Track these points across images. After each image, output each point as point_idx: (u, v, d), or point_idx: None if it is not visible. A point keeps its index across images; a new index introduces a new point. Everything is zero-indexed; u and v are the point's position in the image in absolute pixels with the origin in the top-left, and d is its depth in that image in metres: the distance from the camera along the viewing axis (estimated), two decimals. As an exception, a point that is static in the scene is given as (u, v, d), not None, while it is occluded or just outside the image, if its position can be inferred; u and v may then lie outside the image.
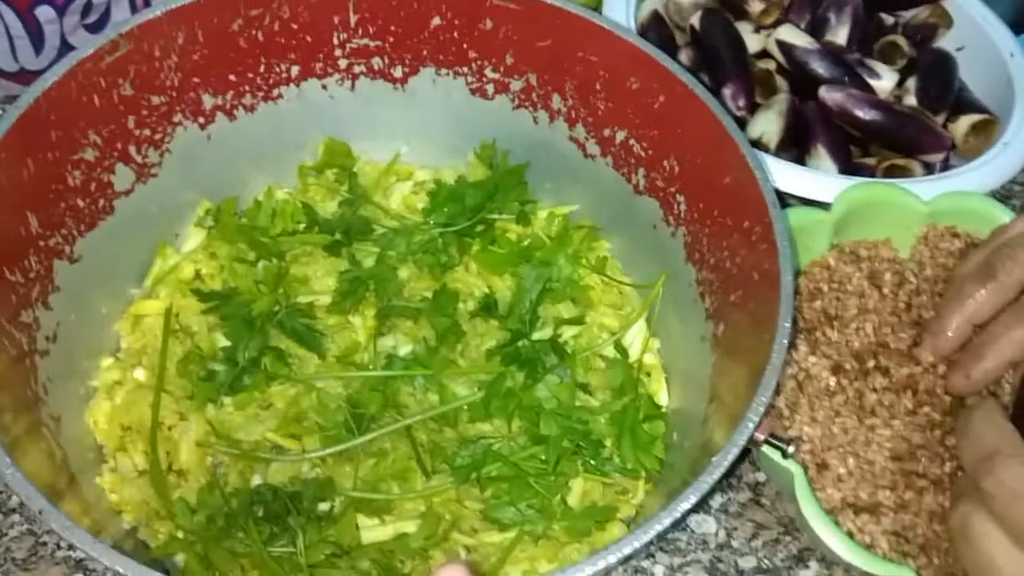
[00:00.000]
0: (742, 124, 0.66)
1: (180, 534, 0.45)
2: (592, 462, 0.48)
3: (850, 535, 0.47)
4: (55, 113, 0.45)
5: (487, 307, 0.54)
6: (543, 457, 0.48)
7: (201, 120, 0.53)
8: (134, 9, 0.62)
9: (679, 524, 0.35)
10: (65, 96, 0.45)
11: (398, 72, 0.56)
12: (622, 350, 0.52)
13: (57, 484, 0.42)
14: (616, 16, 0.67)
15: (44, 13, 0.57)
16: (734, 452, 0.37)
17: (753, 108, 0.66)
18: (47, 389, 0.45)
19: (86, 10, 0.59)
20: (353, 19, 0.53)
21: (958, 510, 0.43)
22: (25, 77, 0.59)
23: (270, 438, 0.49)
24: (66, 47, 0.60)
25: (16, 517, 0.49)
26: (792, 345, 0.52)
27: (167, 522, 0.46)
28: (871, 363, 0.52)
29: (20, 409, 0.43)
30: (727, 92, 0.66)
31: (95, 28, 0.61)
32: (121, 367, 0.51)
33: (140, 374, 0.50)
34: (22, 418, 0.42)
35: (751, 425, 0.37)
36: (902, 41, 0.71)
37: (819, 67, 0.66)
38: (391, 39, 0.54)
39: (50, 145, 0.45)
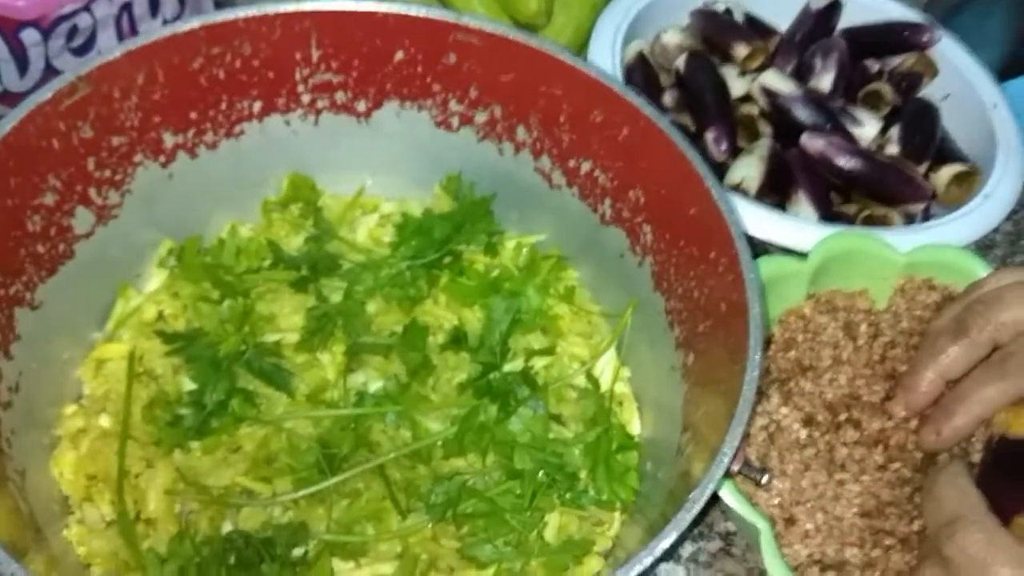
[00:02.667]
0: (724, 168, 0.65)
1: (151, 586, 0.44)
2: (568, 495, 0.48)
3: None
4: (13, 159, 0.44)
5: (457, 340, 0.53)
6: (518, 491, 0.48)
7: (162, 159, 0.52)
8: (120, 35, 0.61)
9: (656, 564, 0.35)
10: (23, 142, 0.44)
11: (361, 106, 0.56)
12: (593, 380, 0.52)
13: (23, 541, 0.40)
14: (602, 56, 0.67)
15: (29, 36, 0.56)
16: (711, 487, 0.37)
17: (735, 152, 0.66)
18: (10, 442, 0.44)
19: (72, 34, 0.58)
20: (316, 55, 0.53)
21: (920, 575, 0.44)
22: (8, 99, 0.58)
23: (240, 482, 0.48)
24: (51, 70, 0.59)
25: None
26: (764, 395, 0.52)
27: (137, 574, 0.44)
28: (843, 416, 0.52)
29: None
30: (710, 136, 0.66)
31: (81, 52, 0.60)
32: (85, 414, 0.50)
33: (105, 421, 0.49)
34: (-14, 476, 0.41)
35: (726, 459, 0.38)
36: (886, 89, 0.71)
37: (802, 113, 0.66)
38: (354, 74, 0.54)
39: (9, 192, 0.44)
